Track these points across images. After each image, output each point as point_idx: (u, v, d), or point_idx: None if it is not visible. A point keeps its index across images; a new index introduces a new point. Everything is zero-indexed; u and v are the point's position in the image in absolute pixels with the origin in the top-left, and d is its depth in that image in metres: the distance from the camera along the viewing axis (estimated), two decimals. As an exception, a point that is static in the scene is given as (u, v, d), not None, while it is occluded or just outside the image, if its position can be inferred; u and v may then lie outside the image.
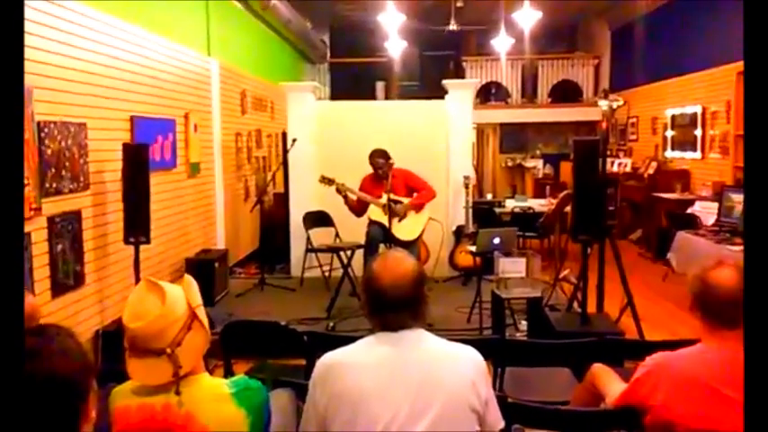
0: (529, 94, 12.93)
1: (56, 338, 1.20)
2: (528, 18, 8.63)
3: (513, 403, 2.23)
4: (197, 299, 1.80)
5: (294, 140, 6.76)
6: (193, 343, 1.74)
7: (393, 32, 9.87)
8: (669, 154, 9.35)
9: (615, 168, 10.17)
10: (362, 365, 1.78)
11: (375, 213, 5.60)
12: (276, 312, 5.50)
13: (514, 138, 13.42)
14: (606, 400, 2.27)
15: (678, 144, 9.09)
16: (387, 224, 5.38)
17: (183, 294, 1.78)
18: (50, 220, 3.93)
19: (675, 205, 7.87)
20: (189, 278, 1.86)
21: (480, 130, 12.65)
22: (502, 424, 1.89)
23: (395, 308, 1.82)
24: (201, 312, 1.79)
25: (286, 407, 2.31)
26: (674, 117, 9.20)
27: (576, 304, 4.93)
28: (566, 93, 12.79)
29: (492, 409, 1.84)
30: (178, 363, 1.69)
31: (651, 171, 9.28)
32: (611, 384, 2.28)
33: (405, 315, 1.83)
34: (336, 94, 12.95)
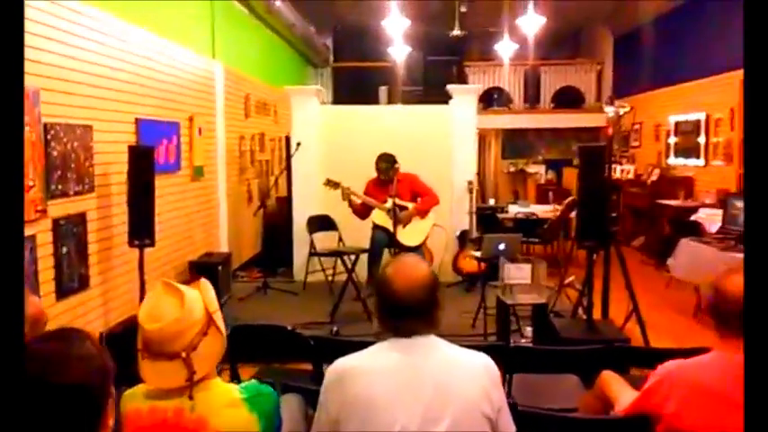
0: (531, 99, 12.94)
1: (76, 343, 1.19)
2: (532, 23, 8.65)
3: (523, 411, 2.22)
4: (214, 304, 1.79)
5: (299, 144, 6.75)
6: (209, 348, 1.72)
7: (397, 37, 9.88)
8: (672, 161, 9.35)
9: (618, 175, 10.16)
10: (375, 372, 1.77)
11: (379, 218, 5.59)
12: (279, 316, 5.48)
13: (517, 143, 13.44)
14: (616, 408, 2.26)
15: (681, 151, 9.09)
16: (391, 229, 5.37)
17: (201, 298, 1.77)
18: (56, 222, 3.92)
19: (678, 212, 7.86)
20: (206, 282, 1.84)
21: (482, 136, 12.64)
22: (513, 430, 1.88)
23: (408, 313, 1.80)
24: (219, 318, 1.77)
25: (295, 412, 2.30)
26: (677, 124, 9.21)
27: (581, 311, 4.91)
28: (568, 99, 12.80)
29: (504, 416, 1.83)
30: (192, 367, 1.68)
31: (654, 178, 9.27)
32: (621, 392, 2.26)
33: (418, 321, 1.81)
34: (339, 99, 12.96)
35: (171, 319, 1.67)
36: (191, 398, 1.68)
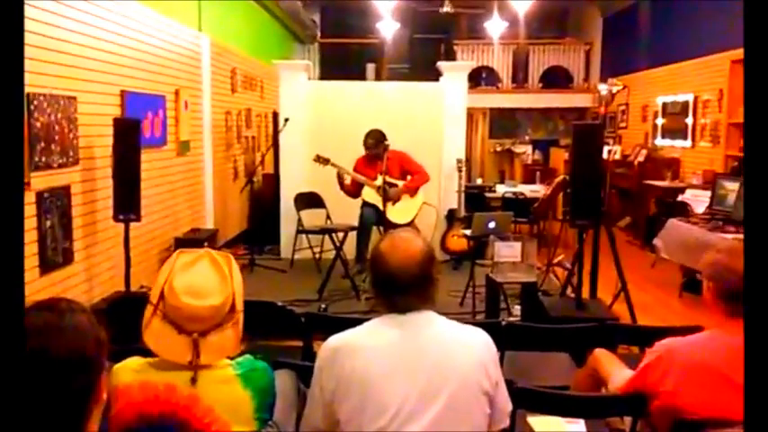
0: (519, 79, 12.87)
1: (67, 314, 1.14)
2: (523, 1, 8.57)
3: (519, 388, 2.20)
4: (241, 303, 1.73)
5: (287, 120, 6.65)
6: (220, 341, 1.67)
7: (386, 13, 9.76)
8: (659, 142, 9.36)
9: (605, 155, 10.13)
10: (370, 349, 1.73)
11: (369, 195, 5.54)
12: (267, 293, 5.42)
13: (504, 123, 13.37)
14: (609, 386, 2.25)
15: (668, 132, 9.09)
16: (381, 206, 5.33)
17: (234, 289, 1.71)
18: (39, 195, 3.82)
19: (665, 193, 7.89)
20: (237, 272, 1.76)
21: (470, 115, 12.51)
22: (510, 406, 1.86)
23: (403, 289, 1.76)
24: (240, 318, 1.73)
25: (288, 388, 2.26)
26: (665, 105, 9.20)
27: (569, 290, 4.92)
28: (556, 78, 12.75)
29: (502, 391, 1.81)
30: (198, 351, 1.63)
31: (641, 159, 9.29)
32: (614, 369, 2.26)
33: (413, 297, 1.77)
34: (326, 75, 12.81)
35: (209, 303, 1.64)
36: (194, 381, 1.63)
